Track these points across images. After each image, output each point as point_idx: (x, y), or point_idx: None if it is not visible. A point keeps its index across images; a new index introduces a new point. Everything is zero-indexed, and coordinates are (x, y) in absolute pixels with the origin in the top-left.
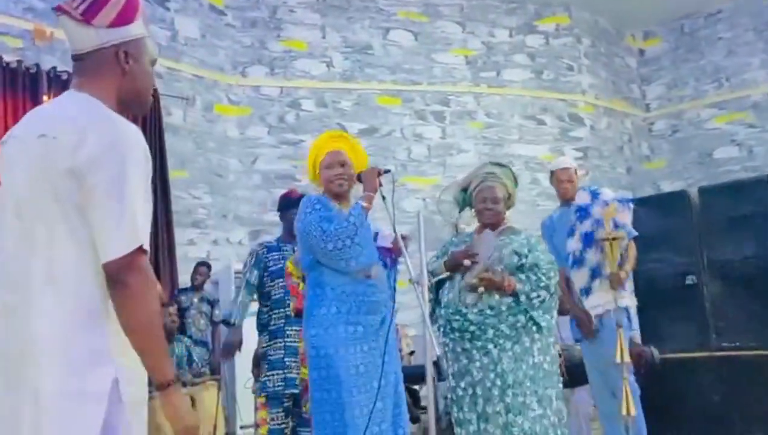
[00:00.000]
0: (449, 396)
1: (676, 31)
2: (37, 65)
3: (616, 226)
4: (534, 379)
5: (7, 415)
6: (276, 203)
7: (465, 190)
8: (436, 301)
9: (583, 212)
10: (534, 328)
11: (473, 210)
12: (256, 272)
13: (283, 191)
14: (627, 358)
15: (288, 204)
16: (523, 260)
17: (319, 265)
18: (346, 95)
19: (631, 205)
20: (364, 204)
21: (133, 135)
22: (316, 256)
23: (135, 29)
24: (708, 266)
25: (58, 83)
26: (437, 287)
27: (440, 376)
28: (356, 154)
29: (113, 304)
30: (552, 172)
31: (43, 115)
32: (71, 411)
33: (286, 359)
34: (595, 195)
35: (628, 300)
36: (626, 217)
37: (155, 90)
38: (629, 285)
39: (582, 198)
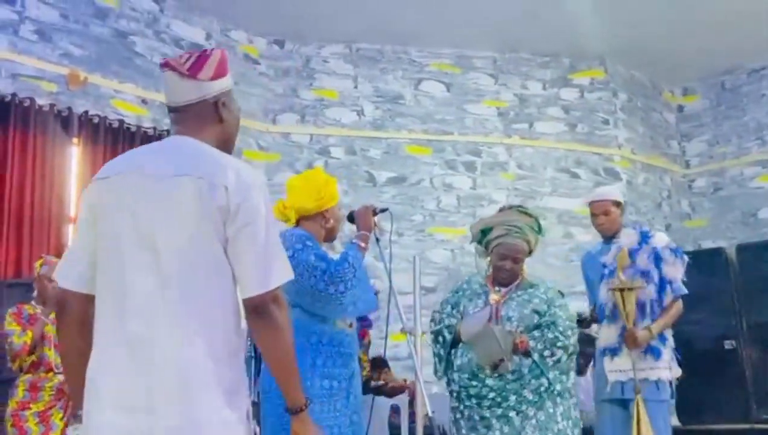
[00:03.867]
0: None
1: (716, 87)
2: (69, 109)
3: (642, 274)
4: None
5: None
6: None
7: (484, 232)
8: (447, 362)
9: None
10: (557, 392)
11: (491, 266)
12: None
13: None
14: (647, 434)
15: None
16: (543, 319)
17: (296, 308)
18: (376, 143)
19: (685, 258)
20: (360, 243)
21: (259, 175)
22: (299, 298)
23: (228, 82)
24: (747, 329)
25: (90, 127)
26: (450, 346)
27: None
28: None
29: (255, 336)
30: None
31: (169, 156)
32: None
33: None
34: (645, 238)
35: (664, 371)
36: (677, 271)
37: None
38: (667, 352)
39: (628, 238)
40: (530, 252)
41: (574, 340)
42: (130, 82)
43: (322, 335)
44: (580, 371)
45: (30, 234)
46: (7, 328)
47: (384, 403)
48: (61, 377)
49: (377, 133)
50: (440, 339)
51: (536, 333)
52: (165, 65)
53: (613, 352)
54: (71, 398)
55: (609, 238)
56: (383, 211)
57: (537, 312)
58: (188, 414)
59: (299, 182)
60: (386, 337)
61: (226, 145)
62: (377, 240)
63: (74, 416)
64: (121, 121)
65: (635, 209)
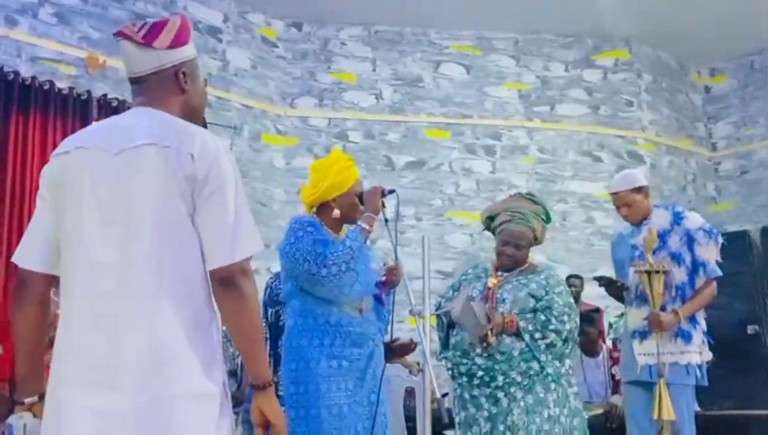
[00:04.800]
0: None
1: (744, 67)
2: (89, 92)
3: (673, 256)
4: (550, 433)
5: (114, 422)
6: None
7: (491, 218)
8: (445, 343)
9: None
10: (549, 377)
11: (495, 251)
12: (270, 310)
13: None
14: (668, 415)
15: None
16: (539, 304)
17: (303, 292)
18: (395, 127)
19: (720, 239)
20: (365, 225)
21: (225, 145)
22: (301, 283)
23: (190, 50)
24: None
25: (109, 109)
26: (448, 328)
27: (441, 420)
28: None
29: (221, 308)
30: None
31: (131, 127)
32: (194, 412)
33: None
34: (677, 218)
35: (694, 355)
36: (711, 253)
37: (203, 118)
38: (698, 336)
39: (660, 219)
40: (536, 239)
41: (570, 326)
42: None
43: (329, 316)
44: (591, 353)
45: None
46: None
47: (399, 386)
48: None
49: (396, 117)
50: (439, 323)
51: (529, 315)
52: (119, 34)
53: (643, 335)
54: (21, 382)
55: (639, 223)
56: (391, 192)
57: (533, 296)
58: (159, 389)
59: (311, 171)
60: (392, 320)
61: (192, 116)
62: (386, 221)
63: (20, 403)
64: None
65: (659, 193)
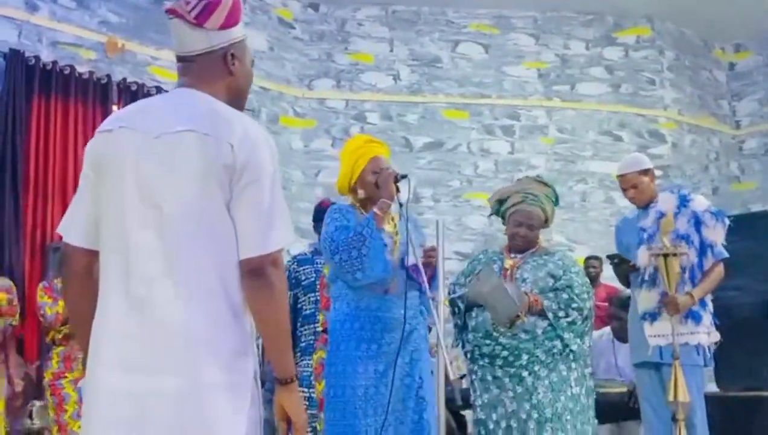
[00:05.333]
0: (478, 430)
1: None
2: (108, 76)
3: (682, 238)
4: (573, 411)
5: (149, 404)
6: None
7: (501, 202)
8: (462, 327)
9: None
10: (571, 355)
11: (506, 234)
12: (288, 293)
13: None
14: (684, 397)
15: (321, 215)
16: (558, 283)
17: (338, 278)
18: (412, 108)
19: (726, 221)
20: (377, 211)
21: (266, 134)
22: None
23: (239, 31)
24: None
25: (128, 93)
26: (465, 311)
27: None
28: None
29: (249, 299)
30: None
31: (173, 110)
32: (225, 400)
33: (312, 378)
34: (684, 201)
35: (703, 336)
36: (718, 235)
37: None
38: (707, 317)
39: (667, 203)
40: (546, 221)
41: (589, 304)
42: (166, 48)
43: (360, 301)
44: (625, 339)
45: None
46: (39, 301)
47: None
48: None
49: (413, 98)
50: (455, 309)
51: (551, 294)
52: (171, 12)
53: (653, 316)
54: (84, 351)
55: (645, 206)
56: (404, 177)
57: (552, 276)
58: (191, 376)
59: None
60: (405, 307)
61: (236, 100)
62: (400, 205)
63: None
64: (159, 88)
65: (681, 172)
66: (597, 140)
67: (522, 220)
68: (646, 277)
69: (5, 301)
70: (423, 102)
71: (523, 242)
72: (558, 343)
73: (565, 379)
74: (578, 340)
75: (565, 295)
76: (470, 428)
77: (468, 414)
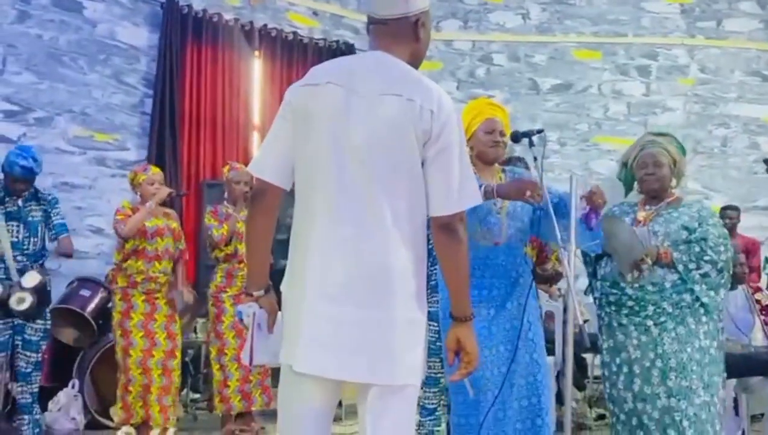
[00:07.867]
0: (603, 372)
1: None
2: (251, 23)
3: None
4: (700, 363)
5: (361, 330)
6: None
7: (625, 164)
8: (593, 274)
9: None
10: (701, 309)
11: (637, 184)
12: None
13: None
14: None
15: None
16: (692, 235)
17: None
18: (541, 48)
19: None
20: (486, 187)
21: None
22: None
23: (428, 0)
24: None
25: (268, 39)
26: (595, 260)
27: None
28: (507, 130)
29: (439, 249)
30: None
31: (375, 72)
32: (408, 334)
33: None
34: None
35: None
36: None
37: (352, 43)
38: None
39: None
40: (675, 164)
41: (725, 257)
42: None
43: (473, 250)
44: (738, 281)
45: (222, 139)
46: (207, 223)
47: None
48: None
49: (543, 38)
50: (587, 259)
51: (683, 247)
52: None
53: None
54: (250, 278)
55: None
56: (539, 131)
57: (686, 228)
58: (388, 310)
59: None
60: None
61: (416, 63)
62: (534, 159)
63: (249, 295)
64: (295, 34)
65: None
66: (743, 81)
67: (648, 160)
68: None
69: (177, 228)
70: (553, 42)
71: (654, 181)
72: (687, 296)
73: (693, 332)
74: (711, 292)
75: (697, 248)
76: (589, 371)
77: (588, 357)
